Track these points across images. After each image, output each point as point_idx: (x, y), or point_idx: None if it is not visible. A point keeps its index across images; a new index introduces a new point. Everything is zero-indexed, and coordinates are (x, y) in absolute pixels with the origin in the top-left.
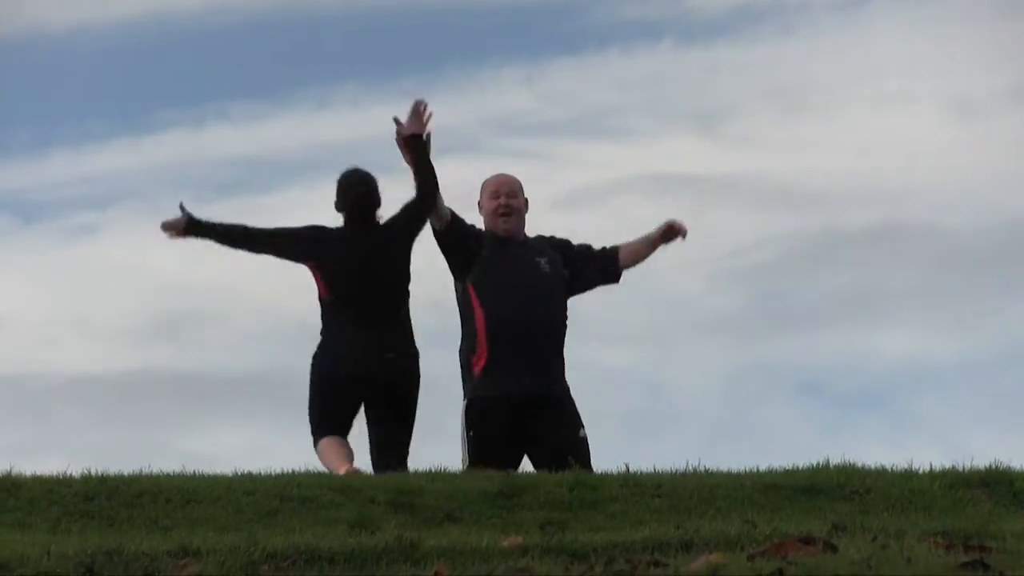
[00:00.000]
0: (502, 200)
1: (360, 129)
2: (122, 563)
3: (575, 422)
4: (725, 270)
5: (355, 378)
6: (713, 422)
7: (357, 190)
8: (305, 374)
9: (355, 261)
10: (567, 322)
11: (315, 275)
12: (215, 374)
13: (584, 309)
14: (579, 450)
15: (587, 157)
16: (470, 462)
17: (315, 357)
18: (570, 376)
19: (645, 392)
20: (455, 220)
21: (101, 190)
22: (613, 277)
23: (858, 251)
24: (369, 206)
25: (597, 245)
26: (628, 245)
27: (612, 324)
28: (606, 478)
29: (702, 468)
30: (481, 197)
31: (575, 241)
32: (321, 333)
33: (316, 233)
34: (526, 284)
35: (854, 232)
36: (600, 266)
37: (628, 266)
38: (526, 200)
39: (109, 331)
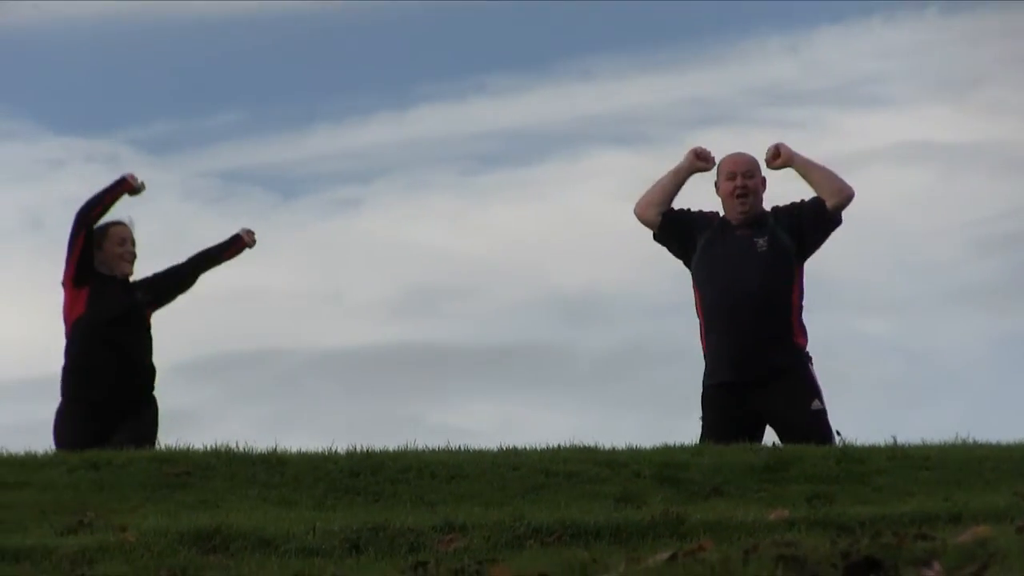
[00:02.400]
0: (738, 181)
1: (623, 99)
2: (387, 539)
3: (807, 395)
4: (978, 238)
5: None
6: (978, 392)
7: None
8: (552, 347)
9: None
10: (793, 297)
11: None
12: (468, 347)
13: (840, 278)
14: (813, 424)
15: (848, 126)
16: (701, 438)
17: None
18: (827, 345)
19: (906, 361)
20: (666, 218)
21: (363, 164)
22: (829, 223)
23: None
24: None
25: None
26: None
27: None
28: (873, 451)
29: (971, 439)
30: (717, 178)
31: (795, 200)
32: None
33: None
34: (738, 270)
35: None
36: (814, 219)
37: (835, 203)
38: (764, 179)
39: (365, 305)
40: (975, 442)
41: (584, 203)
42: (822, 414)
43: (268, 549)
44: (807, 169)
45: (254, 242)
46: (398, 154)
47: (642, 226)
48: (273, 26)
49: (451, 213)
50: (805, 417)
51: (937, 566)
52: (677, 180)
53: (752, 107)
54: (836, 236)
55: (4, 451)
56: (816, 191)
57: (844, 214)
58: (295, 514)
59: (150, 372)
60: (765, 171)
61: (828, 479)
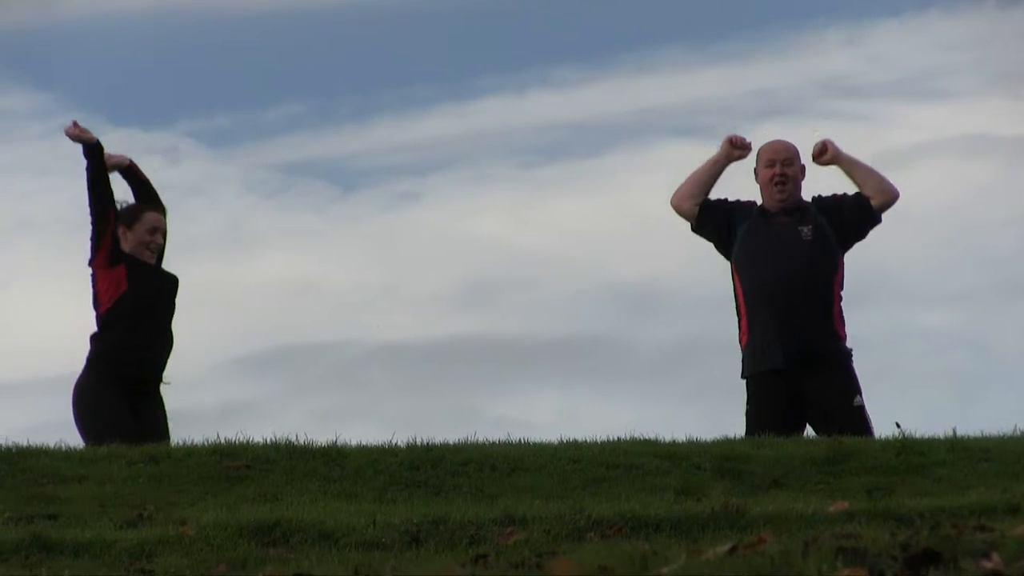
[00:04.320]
0: (777, 169)
1: (684, 91)
2: (447, 532)
3: (848, 390)
4: None
5: None
6: None
7: None
8: (611, 340)
9: None
10: (835, 287)
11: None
12: (527, 340)
13: (900, 270)
14: (852, 419)
15: (907, 119)
16: (747, 432)
17: None
18: (887, 337)
19: (966, 353)
20: (704, 209)
21: (423, 157)
22: (871, 221)
23: None
24: None
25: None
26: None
27: (929, 284)
28: (933, 443)
29: None
30: (757, 165)
31: (838, 193)
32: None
33: None
34: (783, 255)
35: None
36: (857, 214)
37: (880, 202)
38: (803, 167)
39: (423, 298)
40: None
41: (645, 196)
42: (862, 410)
43: (328, 542)
44: (853, 168)
45: (75, 135)
46: (458, 147)
47: (679, 218)
48: (334, 18)
49: (511, 206)
50: (846, 412)
51: (996, 558)
52: (715, 170)
53: (812, 99)
54: (896, 229)
55: (63, 445)
56: (861, 190)
57: (904, 210)
58: (355, 507)
59: (171, 348)
60: (805, 161)
61: (888, 471)
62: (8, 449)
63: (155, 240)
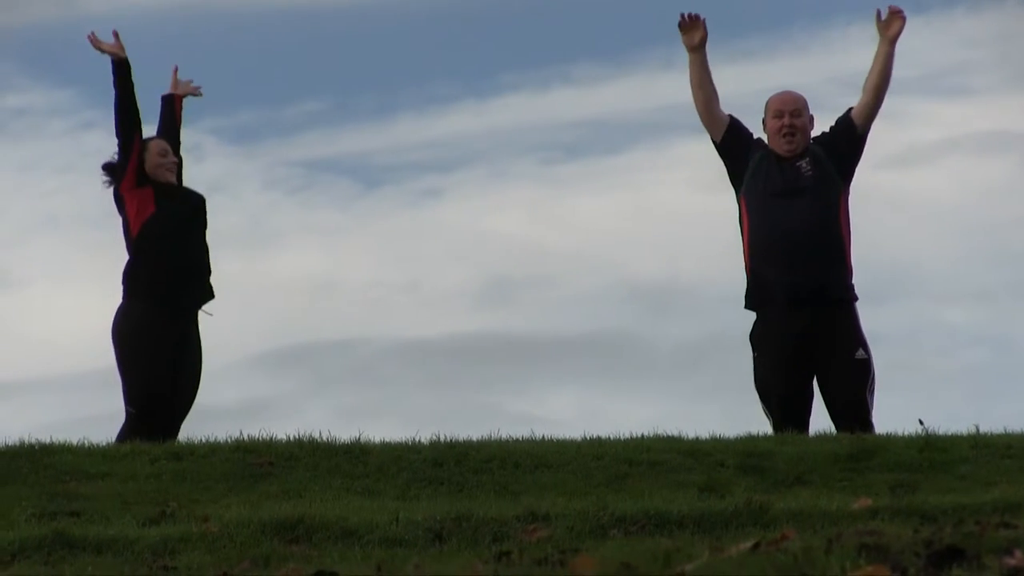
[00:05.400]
0: (786, 120)
1: None
2: (471, 529)
3: (852, 341)
4: None
5: None
6: None
7: None
8: (632, 337)
9: None
10: (841, 223)
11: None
12: (548, 337)
13: (921, 267)
14: (854, 373)
15: (929, 115)
16: (756, 384)
17: None
18: (909, 334)
19: (988, 350)
20: (732, 126)
21: (445, 154)
22: (856, 140)
23: None
24: None
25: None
26: (863, 91)
27: (951, 281)
28: (956, 439)
29: None
30: (765, 115)
31: (826, 130)
32: None
33: None
34: (787, 193)
35: None
36: (844, 138)
37: (870, 108)
38: (811, 117)
39: (444, 295)
40: None
41: (666, 193)
42: (866, 364)
43: (351, 539)
44: (886, 59)
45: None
46: (480, 144)
47: (710, 137)
48: (356, 15)
49: (532, 203)
50: (848, 366)
51: (1019, 554)
52: (693, 68)
53: (835, 96)
54: (919, 225)
55: (86, 441)
56: (869, 79)
57: (927, 206)
58: (378, 504)
59: (210, 271)
60: (812, 111)
61: (911, 468)
62: (31, 446)
63: (169, 159)
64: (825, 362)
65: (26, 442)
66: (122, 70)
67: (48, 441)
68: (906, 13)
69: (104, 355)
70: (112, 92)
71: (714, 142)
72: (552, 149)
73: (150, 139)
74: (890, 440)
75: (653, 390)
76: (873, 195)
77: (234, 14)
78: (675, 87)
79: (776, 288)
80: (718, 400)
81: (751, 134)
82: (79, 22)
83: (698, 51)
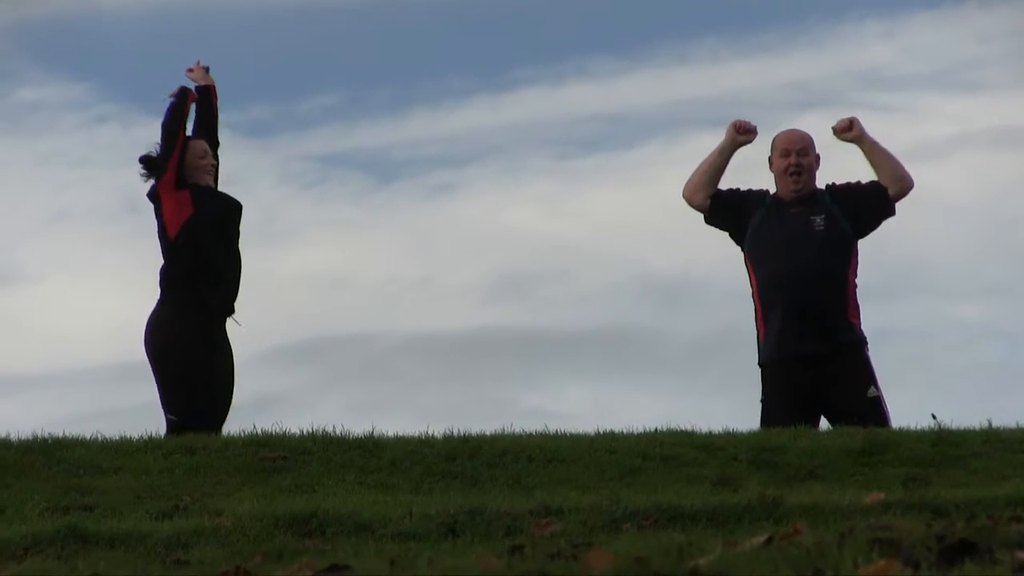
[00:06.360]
0: (792, 160)
1: (720, 83)
2: (484, 522)
3: (862, 381)
4: None
5: None
6: None
7: None
8: (645, 331)
9: None
10: (849, 276)
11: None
12: (560, 331)
13: (934, 263)
14: (868, 411)
15: (942, 110)
16: (762, 424)
17: None
18: (922, 330)
19: (1001, 345)
20: (716, 198)
21: (460, 148)
22: (884, 212)
23: None
24: None
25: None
26: (887, 183)
27: (963, 277)
28: (968, 434)
29: None
30: (771, 154)
31: (852, 181)
32: None
33: None
34: (796, 244)
35: None
36: (872, 204)
37: (902, 193)
38: (817, 156)
39: (458, 289)
40: None
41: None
42: (877, 401)
43: (365, 533)
44: (874, 151)
45: (205, 75)
46: (494, 138)
47: (692, 210)
48: (370, 10)
49: (546, 197)
50: (862, 404)
51: None
52: (722, 158)
53: (849, 91)
54: (930, 221)
55: (99, 436)
56: (878, 175)
57: (938, 202)
58: (392, 498)
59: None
60: (819, 148)
61: (923, 462)
62: (44, 440)
63: (208, 161)
64: (835, 403)
65: (39, 436)
66: (207, 94)
67: (61, 435)
68: (855, 117)
69: (117, 350)
70: (172, 101)
71: (704, 218)
72: (567, 144)
73: (191, 138)
74: (902, 435)
75: (666, 384)
76: None
77: (248, 8)
78: (690, 82)
79: (786, 329)
80: (731, 394)
81: (736, 192)
82: (93, 16)
83: (736, 148)
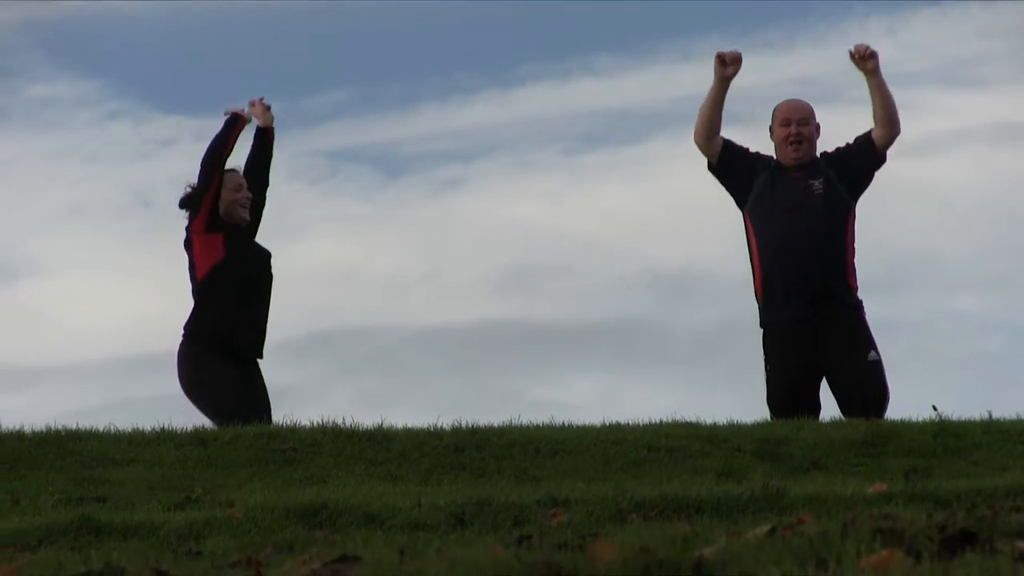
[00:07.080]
0: (792, 129)
1: None
2: (491, 514)
3: (862, 345)
4: None
5: None
6: None
7: None
8: (651, 324)
9: None
10: (847, 240)
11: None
12: (566, 324)
13: (937, 256)
14: (868, 376)
15: (945, 106)
16: (767, 391)
17: None
18: (925, 322)
19: (1003, 338)
20: (726, 147)
21: (467, 144)
22: (874, 161)
23: None
24: None
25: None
26: (876, 125)
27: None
28: (970, 425)
29: None
30: (772, 123)
31: (840, 145)
32: None
33: None
34: (797, 207)
35: None
36: (862, 157)
37: (888, 138)
38: (817, 126)
39: (466, 283)
40: None
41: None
42: (877, 364)
43: (374, 524)
44: (880, 89)
45: (265, 113)
46: (501, 133)
47: (701, 156)
48: (379, 5)
49: (553, 192)
50: (861, 367)
51: None
52: (716, 95)
53: (853, 87)
54: (933, 214)
55: (112, 428)
56: (874, 111)
57: (941, 196)
58: (400, 489)
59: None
60: (819, 120)
61: (925, 453)
62: (58, 432)
63: (244, 195)
64: (836, 366)
65: (53, 428)
66: (263, 136)
67: (75, 428)
68: (873, 48)
69: (129, 343)
70: (220, 129)
71: (709, 165)
72: (573, 139)
73: (227, 171)
74: (904, 426)
75: (672, 377)
76: (889, 185)
77: (258, 4)
78: (695, 77)
79: (787, 292)
80: (736, 386)
81: (746, 150)
82: (105, 13)
83: (727, 81)
